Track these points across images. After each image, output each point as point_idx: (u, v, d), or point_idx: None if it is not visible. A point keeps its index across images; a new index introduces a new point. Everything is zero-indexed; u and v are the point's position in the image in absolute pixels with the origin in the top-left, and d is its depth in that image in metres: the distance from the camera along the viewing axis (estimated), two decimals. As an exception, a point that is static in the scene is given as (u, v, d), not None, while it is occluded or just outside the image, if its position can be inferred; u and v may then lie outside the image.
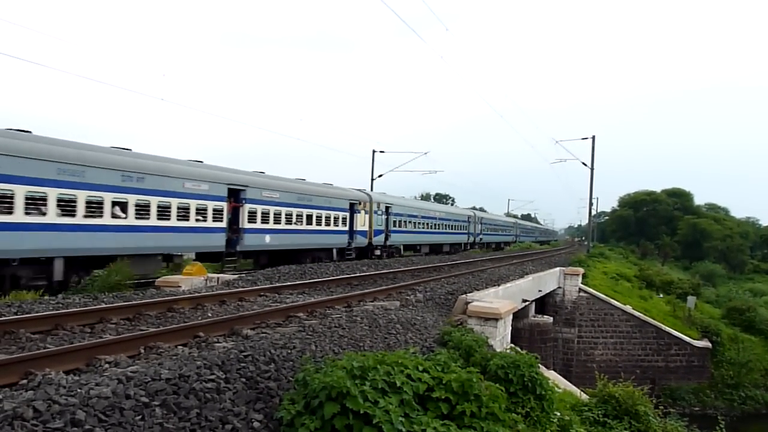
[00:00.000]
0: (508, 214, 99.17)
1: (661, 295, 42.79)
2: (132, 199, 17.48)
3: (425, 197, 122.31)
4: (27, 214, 14.40)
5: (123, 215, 17.20)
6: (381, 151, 50.18)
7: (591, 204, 55.85)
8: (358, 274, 18.52)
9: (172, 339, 7.78)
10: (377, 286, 16.19)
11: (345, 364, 5.98)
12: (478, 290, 15.88)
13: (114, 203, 16.88)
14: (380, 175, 50.51)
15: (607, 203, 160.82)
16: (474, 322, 11.92)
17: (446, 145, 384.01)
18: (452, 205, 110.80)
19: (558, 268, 31.86)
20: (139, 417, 4.76)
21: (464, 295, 13.92)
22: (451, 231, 48.20)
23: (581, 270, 34.13)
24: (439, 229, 45.05)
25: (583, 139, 51.50)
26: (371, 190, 40.76)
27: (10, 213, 13.99)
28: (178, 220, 19.38)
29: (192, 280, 15.17)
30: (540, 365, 9.25)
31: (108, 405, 4.72)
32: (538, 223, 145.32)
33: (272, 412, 5.72)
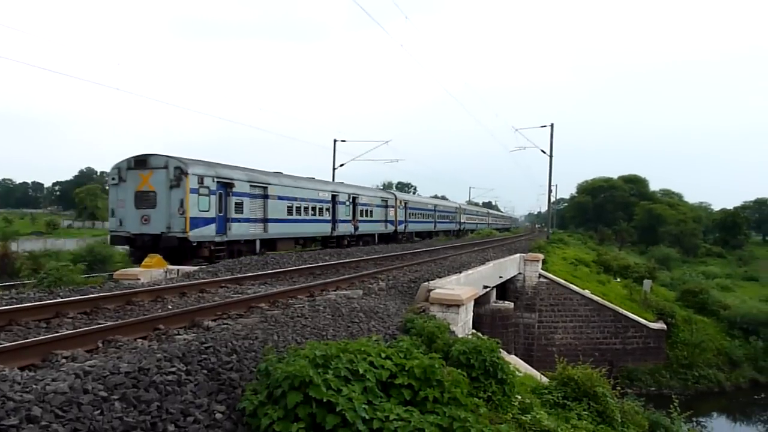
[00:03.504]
0: (469, 202, 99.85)
1: (619, 279, 43.62)
2: (300, 205, 28.88)
3: (387, 186, 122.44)
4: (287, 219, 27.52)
5: (297, 215, 28.50)
6: (342, 141, 50.09)
7: (550, 191, 56.57)
8: (320, 264, 18.48)
9: (132, 332, 7.65)
10: (340, 275, 16.19)
11: (307, 353, 5.97)
12: (440, 277, 15.98)
13: (288, 208, 27.76)
14: (342, 165, 50.42)
15: (566, 190, 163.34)
16: (436, 309, 12.00)
17: (408, 134, 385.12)
18: (414, 193, 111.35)
19: (518, 255, 32.21)
20: (98, 411, 4.67)
21: (426, 283, 14.00)
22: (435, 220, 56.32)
23: (541, 256, 34.54)
24: (435, 218, 55.81)
25: (541, 127, 51.98)
26: (332, 179, 44.90)
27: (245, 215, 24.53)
28: (314, 216, 30.45)
29: (151, 272, 14.94)
30: (501, 350, 9.36)
31: (65, 400, 4.63)
32: (499, 210, 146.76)
33: (235, 402, 5.68)
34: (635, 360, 33.41)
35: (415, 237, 48.30)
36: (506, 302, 26.36)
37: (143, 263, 16.51)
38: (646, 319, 34.41)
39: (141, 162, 21.40)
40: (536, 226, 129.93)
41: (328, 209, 31.88)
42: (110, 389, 4.99)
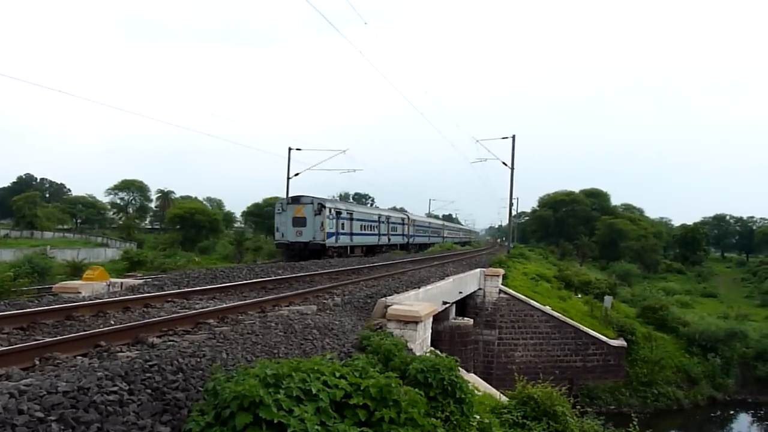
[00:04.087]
0: (429, 215, 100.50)
1: (580, 296, 44.30)
2: (376, 224, 47.64)
3: (344, 197, 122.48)
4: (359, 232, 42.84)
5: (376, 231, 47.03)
6: (297, 149, 50.03)
7: (511, 204, 57.10)
8: (273, 278, 18.35)
9: (71, 349, 7.49)
10: (293, 289, 16.10)
11: (258, 371, 5.92)
12: (398, 293, 16.02)
13: (360, 224, 43.30)
14: (296, 174, 50.35)
15: (528, 203, 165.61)
16: (393, 325, 12.03)
17: (366, 144, 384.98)
18: (372, 205, 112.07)
19: (479, 270, 32.52)
20: (33, 434, 4.56)
21: (384, 298, 14.03)
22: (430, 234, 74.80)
23: (501, 271, 34.91)
24: (432, 233, 75.34)
25: (503, 138, 52.63)
26: (287, 189, 48.85)
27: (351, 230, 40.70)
28: (393, 231, 51.73)
29: (93, 285, 14.60)
30: (460, 368, 9.44)
31: (-3, 422, 4.51)
32: (459, 223, 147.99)
33: (180, 424, 5.60)
34: (595, 378, 33.96)
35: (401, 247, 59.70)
36: (466, 319, 26.59)
37: (84, 276, 16.16)
38: (606, 336, 35.02)
39: (296, 199, 37.24)
40: (497, 240, 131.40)
41: (377, 226, 48.39)
42: (47, 410, 4.87)
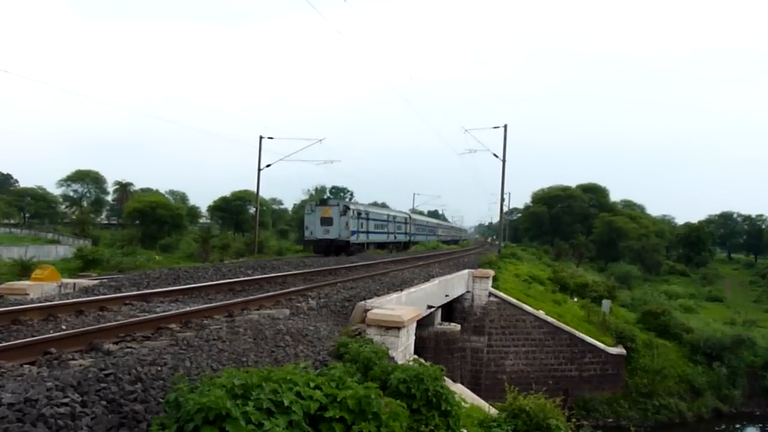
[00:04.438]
0: (413, 211, 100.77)
1: (576, 299, 44.55)
2: (387, 224, 56.61)
3: (320, 191, 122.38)
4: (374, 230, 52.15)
5: (386, 230, 56.27)
6: (269, 138, 49.84)
7: (503, 200, 57.51)
8: (242, 279, 18.31)
9: (17, 356, 7.42)
10: (264, 291, 16.08)
11: (225, 381, 5.89)
12: (378, 296, 16.05)
13: (375, 223, 52.04)
14: (268, 165, 50.21)
15: (521, 199, 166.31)
16: (374, 331, 12.04)
17: (345, 133, 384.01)
18: (351, 200, 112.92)
19: (467, 271, 32.61)
20: (-26, 451, 4.52)
21: (363, 302, 14.03)
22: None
23: (491, 272, 35.03)
24: (429, 232, 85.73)
25: (494, 128, 52.94)
26: (257, 181, 51.60)
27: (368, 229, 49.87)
28: (398, 230, 61.33)
29: (43, 286, 14.46)
30: (446, 378, 9.46)
31: (-66, 438, 4.47)
32: (446, 220, 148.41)
33: (139, 439, 5.57)
34: (592, 388, 34.21)
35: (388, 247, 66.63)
36: (452, 324, 26.62)
37: (33, 275, 15.99)
38: (604, 343, 35.27)
39: (323, 202, 47.00)
40: (488, 239, 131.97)
41: (386, 225, 56.90)
42: (-11, 424, 4.82)
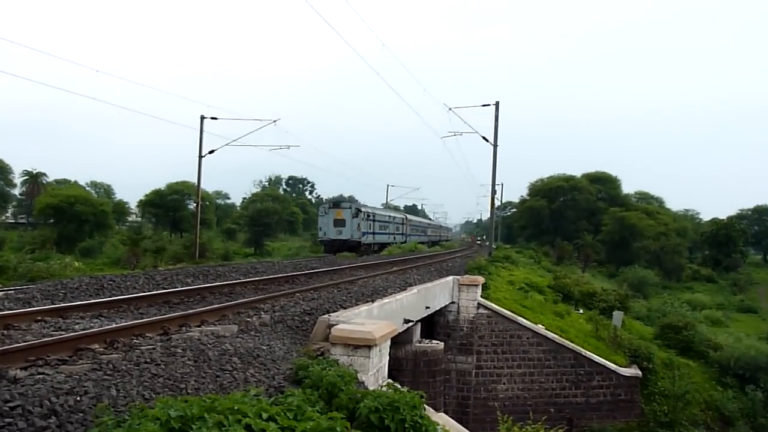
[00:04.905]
0: (386, 206, 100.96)
1: (581, 311, 44.73)
2: (388, 225, 72.79)
3: (274, 182, 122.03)
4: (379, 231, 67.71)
5: (387, 230, 71.91)
6: (213, 118, 49.42)
7: (494, 192, 57.02)
8: (179, 289, 18.22)
9: None
10: (206, 304, 16.04)
11: (159, 413, 5.87)
12: (345, 308, 16.07)
13: (379, 225, 67.48)
14: (211, 151, 49.95)
15: (516, 191, 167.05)
16: (339, 351, 12.04)
17: (305, 112, 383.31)
18: (312, 191, 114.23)
19: (451, 278, 32.64)
20: None
21: (327, 316, 14.04)
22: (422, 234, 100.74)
23: (481, 279, 35.01)
24: (420, 232, 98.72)
25: (483, 105, 52.68)
26: (198, 169, 51.02)
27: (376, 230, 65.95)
28: (397, 230, 77.64)
29: (-67, 299, 14.28)
30: (426, 406, 9.49)
31: None
32: (426, 217, 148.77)
33: (53, 485, 5.53)
34: (602, 417, 34.36)
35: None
36: (434, 342, 26.70)
37: None
38: (615, 363, 35.43)
39: (337, 204, 59.08)
40: (477, 239, 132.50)
41: (388, 226, 70.56)
42: None
